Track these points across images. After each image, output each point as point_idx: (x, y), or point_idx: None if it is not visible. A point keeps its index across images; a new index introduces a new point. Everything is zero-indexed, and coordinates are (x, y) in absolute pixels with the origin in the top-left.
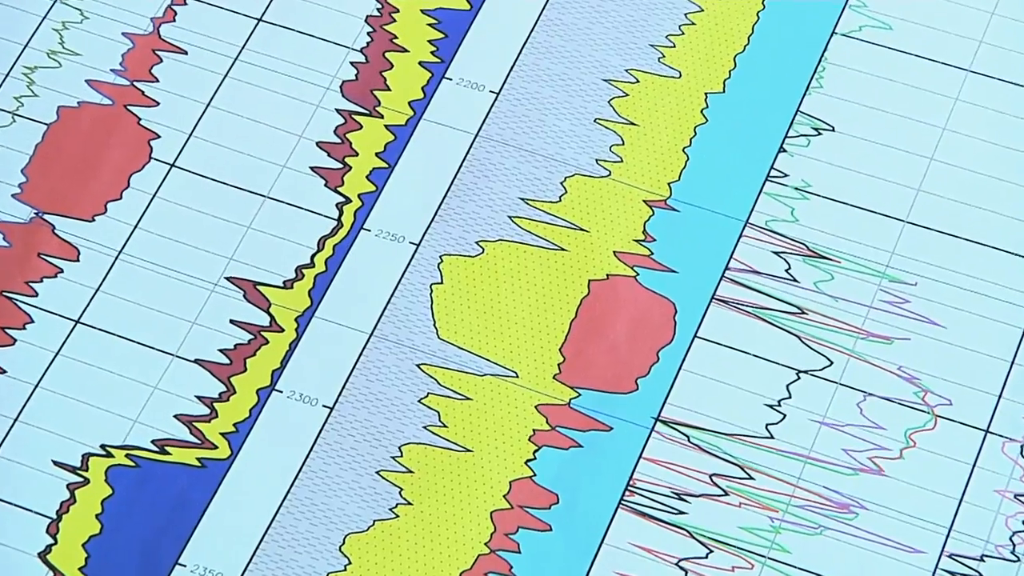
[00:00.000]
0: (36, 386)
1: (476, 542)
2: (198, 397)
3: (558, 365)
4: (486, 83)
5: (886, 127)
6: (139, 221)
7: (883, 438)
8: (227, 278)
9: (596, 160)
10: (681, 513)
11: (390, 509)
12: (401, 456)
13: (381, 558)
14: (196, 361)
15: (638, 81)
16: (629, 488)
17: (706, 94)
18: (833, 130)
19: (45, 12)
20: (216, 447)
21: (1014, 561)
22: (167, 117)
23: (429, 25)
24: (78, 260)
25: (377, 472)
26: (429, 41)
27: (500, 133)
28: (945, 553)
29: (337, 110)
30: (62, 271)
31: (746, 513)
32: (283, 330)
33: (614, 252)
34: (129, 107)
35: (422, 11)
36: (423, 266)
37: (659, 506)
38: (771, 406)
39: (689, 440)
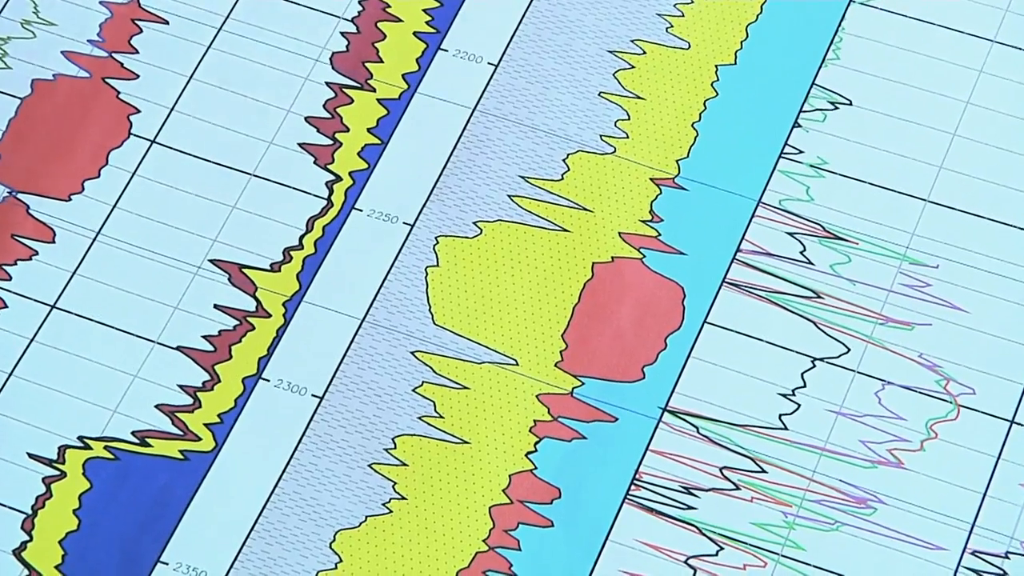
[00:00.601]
0: (10, 375)
1: (474, 539)
2: (181, 386)
3: (560, 352)
4: (484, 55)
5: (906, 101)
6: (118, 201)
7: (903, 429)
8: (211, 261)
9: (600, 136)
10: (690, 508)
11: (383, 504)
12: (395, 448)
13: (374, 556)
14: (178, 348)
15: (645, 52)
16: (635, 482)
17: (716, 66)
18: (850, 104)
19: None
20: (200, 439)
21: None
22: (147, 91)
23: None
24: (54, 242)
25: (369, 465)
26: (424, 10)
27: (499, 107)
28: (968, 550)
29: (327, 83)
30: (37, 253)
31: (758, 508)
32: (270, 315)
33: (619, 233)
34: (107, 80)
35: None
36: (418, 248)
37: (667, 501)
38: (785, 395)
39: (698, 431)
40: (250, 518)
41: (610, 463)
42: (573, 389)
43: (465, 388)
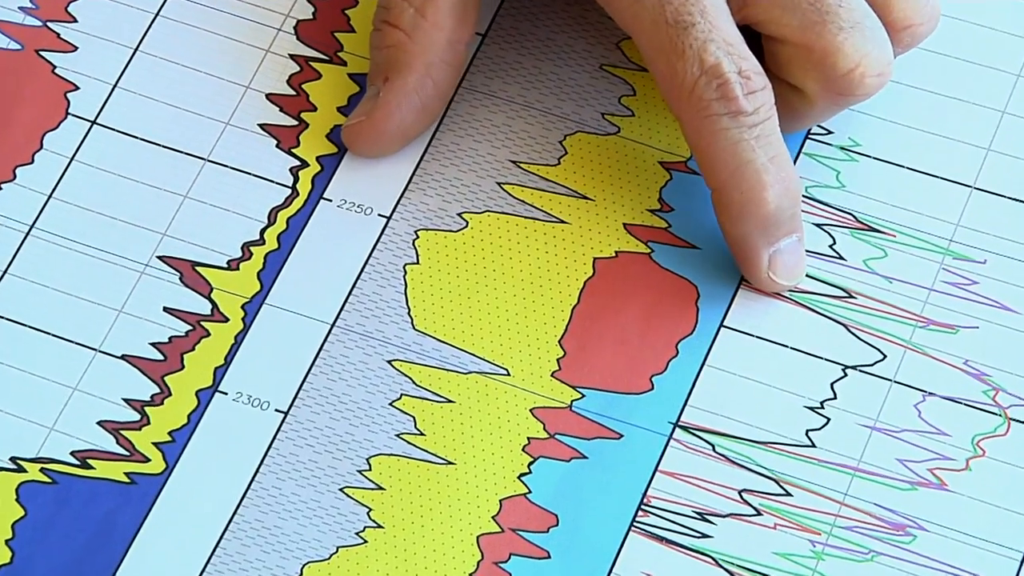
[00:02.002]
0: None
1: (460, 572)
2: (126, 400)
3: (557, 361)
4: None
5: (950, 74)
6: (54, 190)
7: (946, 446)
8: (160, 257)
9: (602, 114)
10: (705, 537)
11: (356, 533)
12: (370, 470)
13: None
14: (123, 357)
15: None
16: (642, 507)
17: None
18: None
19: None
20: (148, 460)
21: None
22: (87, 65)
23: None
24: None
25: (341, 489)
26: None
27: (487, 83)
28: None
29: (291, 56)
30: None
31: (783, 536)
32: (227, 320)
33: (624, 225)
34: (41, 53)
35: None
36: (395, 243)
37: (678, 528)
38: (812, 408)
39: (714, 449)
40: (206, 549)
41: (614, 486)
42: (572, 402)
43: (449, 402)
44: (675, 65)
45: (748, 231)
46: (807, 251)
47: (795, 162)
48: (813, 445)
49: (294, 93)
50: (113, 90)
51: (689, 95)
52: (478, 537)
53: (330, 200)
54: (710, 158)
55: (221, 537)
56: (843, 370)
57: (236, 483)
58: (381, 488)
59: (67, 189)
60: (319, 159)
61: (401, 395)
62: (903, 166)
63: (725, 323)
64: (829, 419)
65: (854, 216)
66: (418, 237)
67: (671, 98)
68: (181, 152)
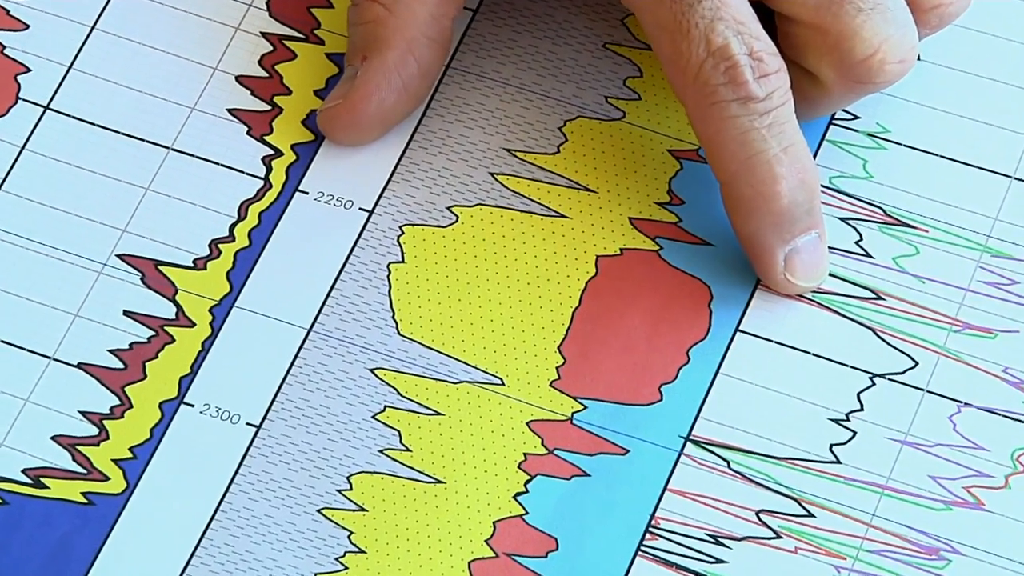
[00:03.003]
0: None
1: None
2: (83, 413)
3: (556, 369)
4: None
5: (987, 54)
6: (3, 181)
7: (983, 461)
8: (119, 256)
9: (605, 98)
10: (719, 562)
11: (336, 559)
12: (350, 489)
13: None
14: (80, 366)
15: None
16: (650, 530)
17: None
18: (918, 58)
19: None
20: (107, 478)
21: None
22: (39, 45)
23: None
24: None
25: (319, 510)
26: None
27: (479, 63)
28: None
29: (263, 34)
30: None
31: (804, 561)
32: (194, 324)
33: (630, 219)
34: None
35: None
36: (378, 240)
37: (690, 553)
38: (837, 421)
39: (729, 466)
40: None
41: (619, 506)
42: (573, 414)
43: (438, 414)
44: (679, 45)
45: (760, 228)
46: (830, 248)
47: (817, 151)
48: (838, 461)
49: (266, 75)
50: (68, 72)
51: (694, 79)
52: (470, 563)
53: (306, 193)
54: (718, 148)
55: (187, 563)
56: (871, 379)
57: (204, 504)
58: (363, 509)
59: (17, 181)
60: (294, 147)
61: (385, 407)
62: (937, 154)
63: (741, 327)
64: (855, 432)
65: (883, 209)
66: (403, 233)
67: (675, 82)
68: (142, 140)
